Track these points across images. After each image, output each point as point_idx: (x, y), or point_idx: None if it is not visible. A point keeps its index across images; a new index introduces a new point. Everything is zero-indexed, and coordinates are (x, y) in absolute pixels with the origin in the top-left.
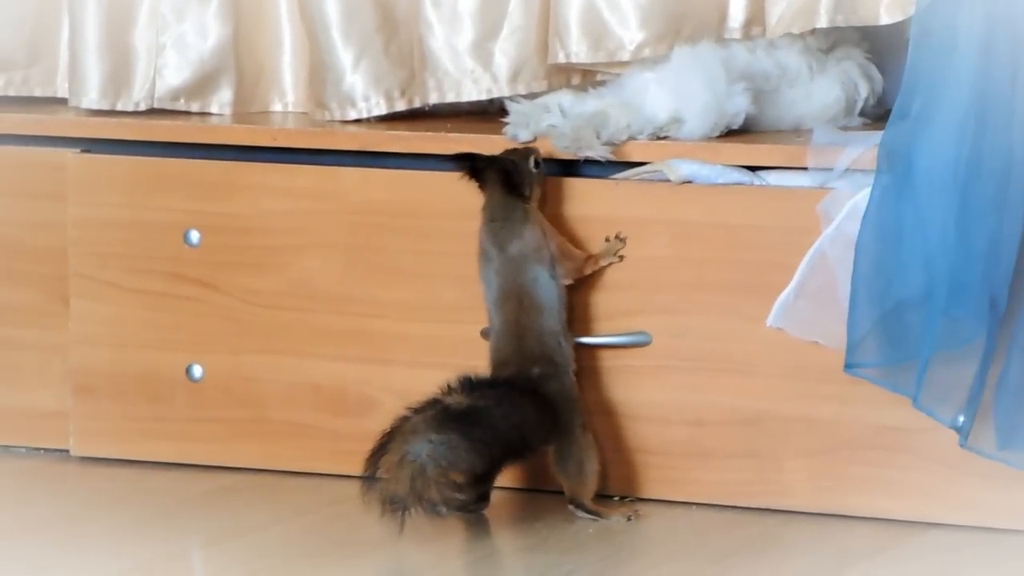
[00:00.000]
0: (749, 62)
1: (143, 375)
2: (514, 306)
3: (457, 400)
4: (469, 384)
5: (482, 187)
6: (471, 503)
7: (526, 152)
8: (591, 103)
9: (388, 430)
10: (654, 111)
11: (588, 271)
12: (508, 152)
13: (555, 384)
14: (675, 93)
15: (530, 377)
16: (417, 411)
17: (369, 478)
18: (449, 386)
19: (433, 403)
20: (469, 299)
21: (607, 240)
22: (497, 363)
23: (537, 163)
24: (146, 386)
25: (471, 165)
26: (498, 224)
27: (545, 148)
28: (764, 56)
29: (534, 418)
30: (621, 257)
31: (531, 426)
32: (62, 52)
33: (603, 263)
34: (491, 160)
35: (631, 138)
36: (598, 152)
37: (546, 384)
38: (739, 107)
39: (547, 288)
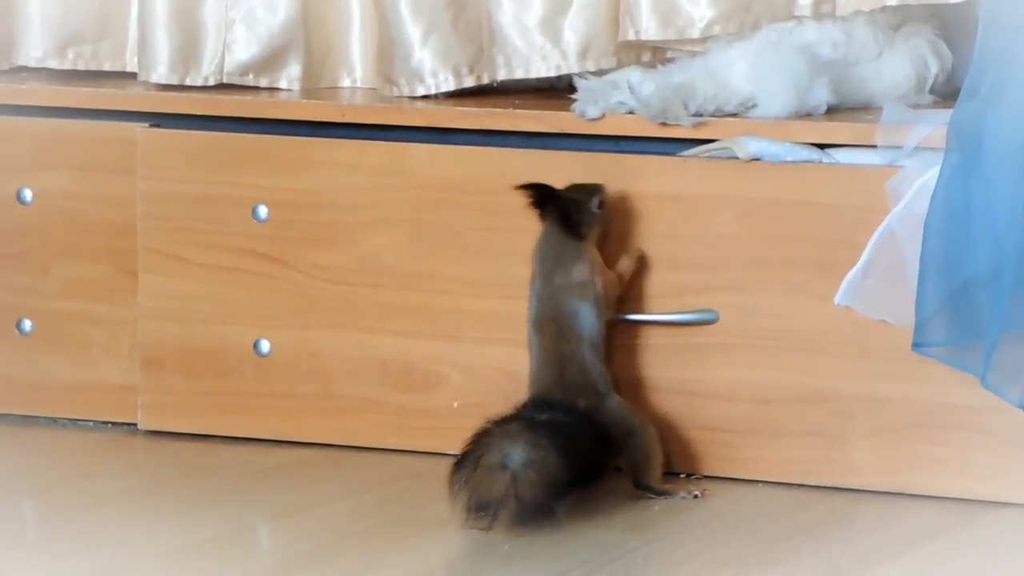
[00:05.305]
0: (832, 49)
1: (211, 350)
2: (553, 332)
3: (539, 415)
4: (543, 403)
5: (542, 217)
6: (555, 510)
7: (592, 189)
8: (677, 75)
9: (473, 439)
10: (739, 85)
11: (622, 291)
12: (575, 188)
13: (603, 416)
14: (755, 86)
15: (578, 410)
16: (500, 423)
17: (460, 485)
18: (525, 404)
19: (516, 416)
20: None
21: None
22: (538, 392)
23: (601, 203)
24: (214, 360)
25: (535, 194)
26: (550, 255)
27: (618, 124)
28: (839, 37)
29: (598, 445)
30: (642, 261)
31: (596, 451)
32: (131, 26)
33: (627, 274)
34: (554, 196)
35: (717, 109)
36: (686, 123)
37: (595, 416)
38: (820, 99)
39: (588, 321)
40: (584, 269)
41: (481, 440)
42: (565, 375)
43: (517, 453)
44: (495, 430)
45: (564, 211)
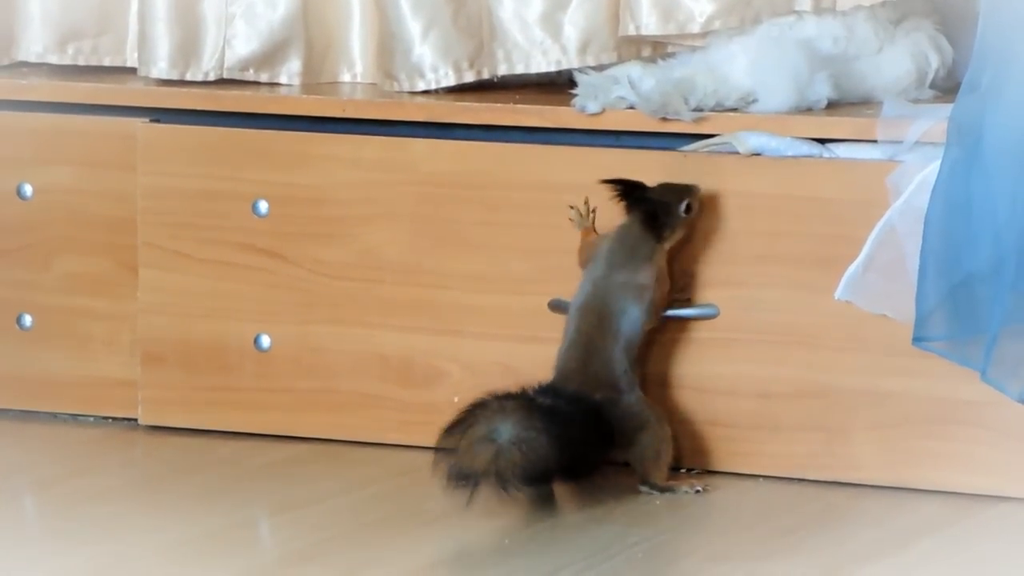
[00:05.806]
0: (832, 44)
1: (211, 345)
2: (593, 322)
3: (541, 399)
4: (551, 390)
5: (627, 210)
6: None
7: (683, 192)
8: (677, 70)
9: (467, 409)
10: (740, 80)
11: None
12: (666, 188)
13: (618, 410)
14: (756, 81)
15: (587, 402)
16: (499, 398)
17: (446, 451)
18: (533, 388)
19: (518, 395)
20: (537, 271)
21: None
22: (560, 374)
23: (689, 207)
24: (214, 356)
25: (624, 189)
26: (623, 248)
27: (619, 119)
28: (839, 32)
29: (596, 439)
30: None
31: (593, 446)
32: (131, 21)
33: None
34: (644, 196)
35: (718, 104)
36: (686, 118)
37: (609, 409)
38: (820, 94)
39: (631, 323)
40: (650, 273)
41: (475, 410)
42: (589, 365)
43: (507, 429)
44: (492, 403)
45: (651, 212)
